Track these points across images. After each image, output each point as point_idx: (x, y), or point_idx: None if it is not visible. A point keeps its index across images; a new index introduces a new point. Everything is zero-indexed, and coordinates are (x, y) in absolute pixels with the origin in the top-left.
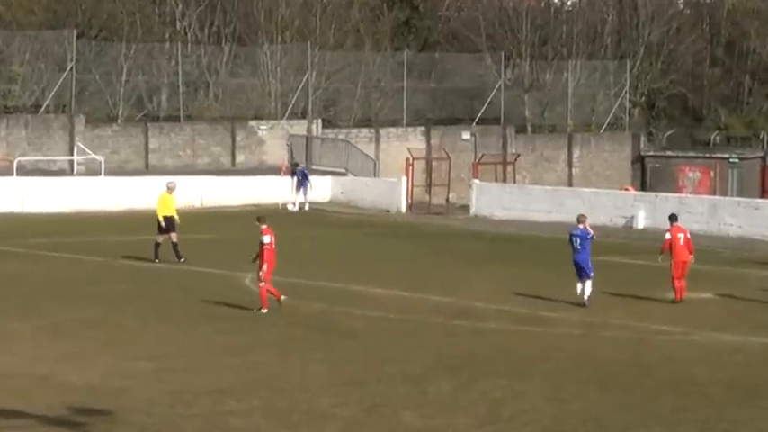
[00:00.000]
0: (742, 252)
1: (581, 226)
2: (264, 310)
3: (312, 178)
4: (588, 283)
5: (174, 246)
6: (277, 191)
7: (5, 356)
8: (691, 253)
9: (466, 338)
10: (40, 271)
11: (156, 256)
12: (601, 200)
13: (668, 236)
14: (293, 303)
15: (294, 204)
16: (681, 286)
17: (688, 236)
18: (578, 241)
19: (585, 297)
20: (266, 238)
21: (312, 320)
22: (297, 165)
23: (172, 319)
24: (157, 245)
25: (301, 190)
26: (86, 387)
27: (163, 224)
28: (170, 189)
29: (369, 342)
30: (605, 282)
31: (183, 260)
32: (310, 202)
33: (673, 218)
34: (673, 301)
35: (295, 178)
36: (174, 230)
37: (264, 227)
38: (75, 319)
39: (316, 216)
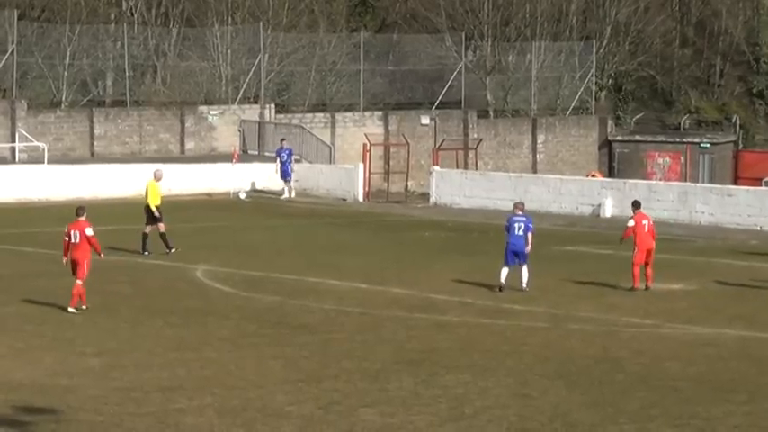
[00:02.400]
0: (714, 241)
1: (519, 212)
2: (72, 309)
3: (264, 166)
4: (525, 268)
5: (163, 236)
6: (229, 179)
7: None
8: (653, 239)
9: (427, 332)
10: None
11: (145, 248)
12: (567, 187)
13: (631, 222)
14: (247, 296)
15: (288, 192)
16: (648, 274)
17: (651, 223)
18: (521, 227)
19: (525, 283)
20: (75, 234)
21: (267, 314)
22: (284, 141)
23: (120, 313)
24: (145, 236)
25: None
26: (32, 385)
27: (157, 213)
28: (158, 177)
29: (326, 337)
30: (571, 272)
31: (173, 250)
32: (264, 192)
33: (636, 204)
34: (631, 289)
35: (278, 160)
36: (161, 221)
37: (82, 219)
38: (18, 314)
39: (269, 205)
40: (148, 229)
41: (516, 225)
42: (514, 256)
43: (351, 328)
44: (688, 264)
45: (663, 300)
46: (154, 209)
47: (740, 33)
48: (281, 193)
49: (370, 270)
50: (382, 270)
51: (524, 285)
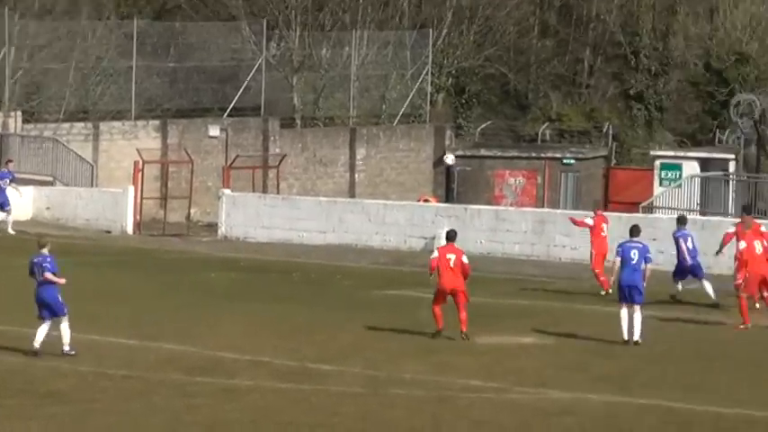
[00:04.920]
0: (577, 282)
1: (45, 251)
2: None
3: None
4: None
5: None
6: None
7: None
8: (465, 277)
9: (211, 400)
10: None
11: None
12: (392, 215)
13: (435, 254)
14: None
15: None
16: (462, 318)
17: (463, 259)
18: (41, 271)
19: (637, 334)
20: None
21: (7, 378)
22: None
23: None
24: None
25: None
26: None
27: None
28: None
29: (81, 407)
30: (395, 323)
31: None
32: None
33: (450, 236)
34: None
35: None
36: None
37: None
38: None
39: (11, 240)
40: None
41: (36, 268)
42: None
43: (114, 395)
44: (543, 311)
45: (511, 357)
46: None
47: (615, 20)
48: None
49: (139, 321)
50: (155, 321)
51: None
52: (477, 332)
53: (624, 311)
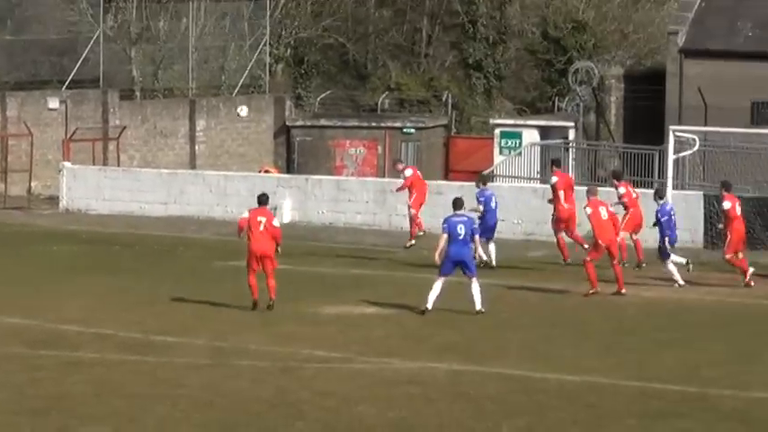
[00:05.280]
0: (421, 251)
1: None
2: None
3: None
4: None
5: None
6: None
7: None
8: (276, 242)
9: (54, 374)
10: None
11: None
12: (233, 186)
13: (246, 214)
14: None
15: None
16: (270, 285)
17: (274, 222)
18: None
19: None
20: None
21: None
22: None
23: None
24: None
25: None
26: None
27: None
28: None
29: None
30: (236, 295)
31: None
32: None
33: (261, 200)
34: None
35: None
36: None
37: None
38: None
39: None
40: None
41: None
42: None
43: None
44: (386, 281)
45: (355, 327)
46: None
47: None
48: None
49: None
50: None
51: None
52: (321, 303)
53: (439, 283)
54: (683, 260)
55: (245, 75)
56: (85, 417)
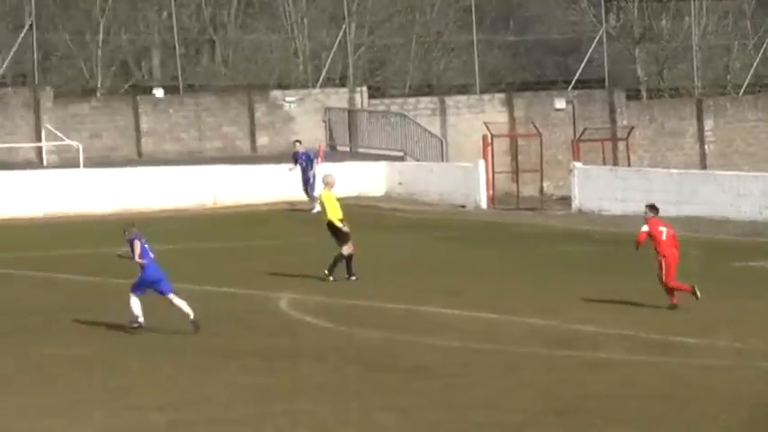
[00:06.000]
0: None
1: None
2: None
3: (360, 165)
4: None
5: (344, 258)
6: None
7: None
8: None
9: (576, 374)
10: (7, 296)
11: (350, 273)
12: (746, 186)
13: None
14: (346, 332)
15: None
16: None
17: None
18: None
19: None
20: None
21: (372, 355)
22: (298, 143)
23: (187, 356)
24: (342, 258)
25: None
26: None
27: (345, 228)
28: (329, 183)
29: (446, 381)
30: (758, 294)
31: (354, 278)
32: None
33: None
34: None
35: (298, 166)
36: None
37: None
38: (62, 359)
39: (367, 215)
40: (346, 249)
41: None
42: None
43: (478, 369)
44: None
45: None
46: (339, 223)
47: None
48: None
49: (497, 295)
50: (514, 295)
51: (192, 314)
52: None
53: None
54: None
55: (749, 74)
56: (611, 418)
